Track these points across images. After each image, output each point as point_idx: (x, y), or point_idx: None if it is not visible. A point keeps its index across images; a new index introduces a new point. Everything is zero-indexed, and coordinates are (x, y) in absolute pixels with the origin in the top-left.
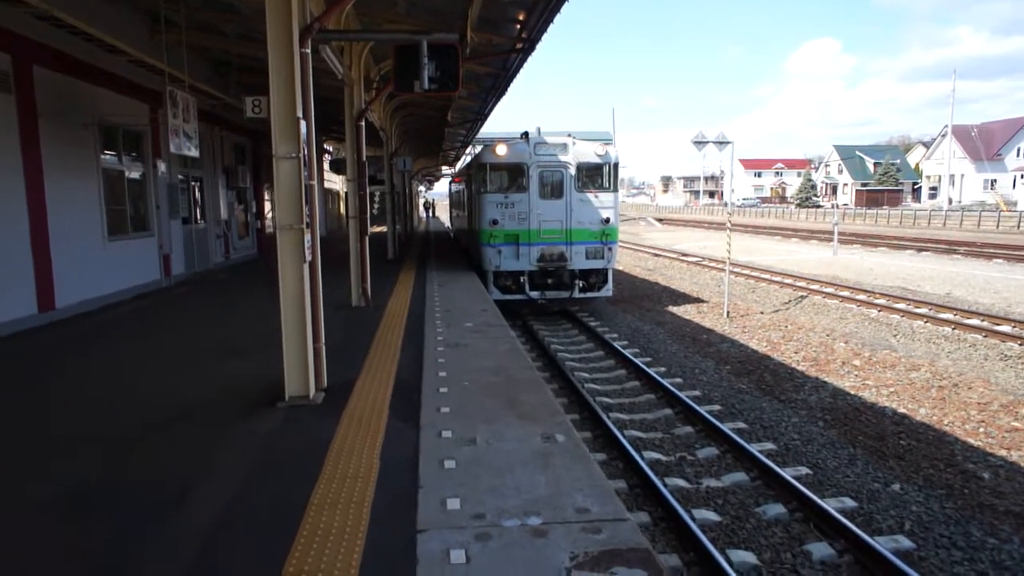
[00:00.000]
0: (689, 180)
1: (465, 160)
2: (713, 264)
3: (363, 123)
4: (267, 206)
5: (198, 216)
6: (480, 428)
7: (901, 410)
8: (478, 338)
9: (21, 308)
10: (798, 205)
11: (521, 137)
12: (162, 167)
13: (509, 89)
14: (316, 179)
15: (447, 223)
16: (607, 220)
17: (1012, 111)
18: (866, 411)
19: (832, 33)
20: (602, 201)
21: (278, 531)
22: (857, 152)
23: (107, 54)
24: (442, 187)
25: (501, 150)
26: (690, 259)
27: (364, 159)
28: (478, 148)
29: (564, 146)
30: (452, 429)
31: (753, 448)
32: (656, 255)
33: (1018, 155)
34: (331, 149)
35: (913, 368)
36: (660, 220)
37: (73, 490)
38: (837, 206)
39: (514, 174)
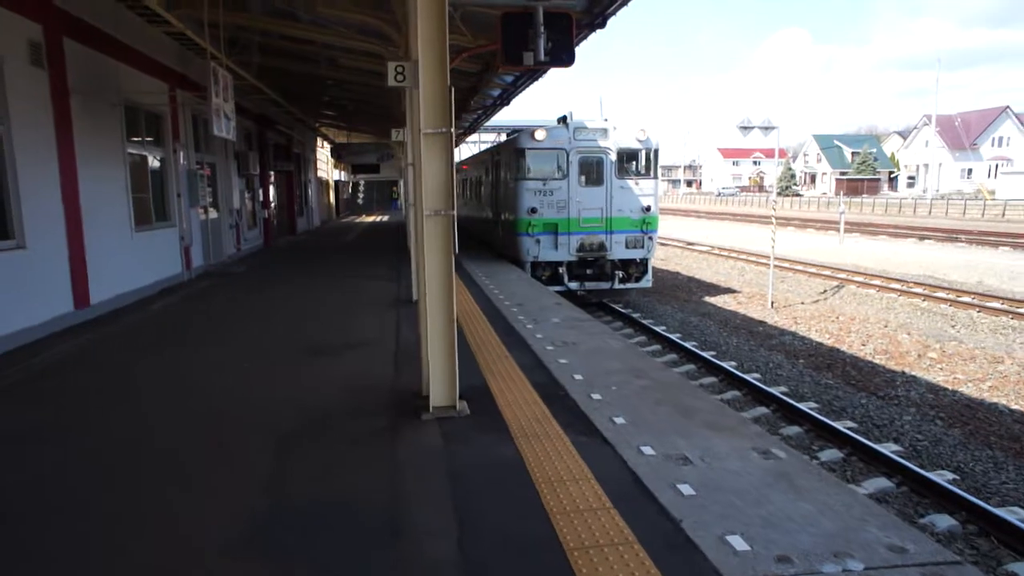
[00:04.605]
0: (666, 169)
1: (463, 148)
2: (727, 253)
3: None
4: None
5: (210, 205)
6: (678, 443)
7: (1015, 407)
8: (579, 335)
9: (58, 305)
10: (778, 194)
11: (559, 122)
12: (182, 152)
13: (548, 73)
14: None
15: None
16: (648, 208)
17: (975, 102)
18: (979, 408)
19: (801, 23)
20: (642, 188)
21: None
22: (835, 141)
23: (137, 26)
24: None
25: (540, 135)
26: (699, 248)
27: None
28: (482, 137)
29: (604, 131)
30: (649, 445)
31: (884, 449)
32: (663, 244)
33: (993, 144)
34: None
35: (996, 360)
36: None
37: (251, 524)
38: (842, 195)
39: (553, 160)
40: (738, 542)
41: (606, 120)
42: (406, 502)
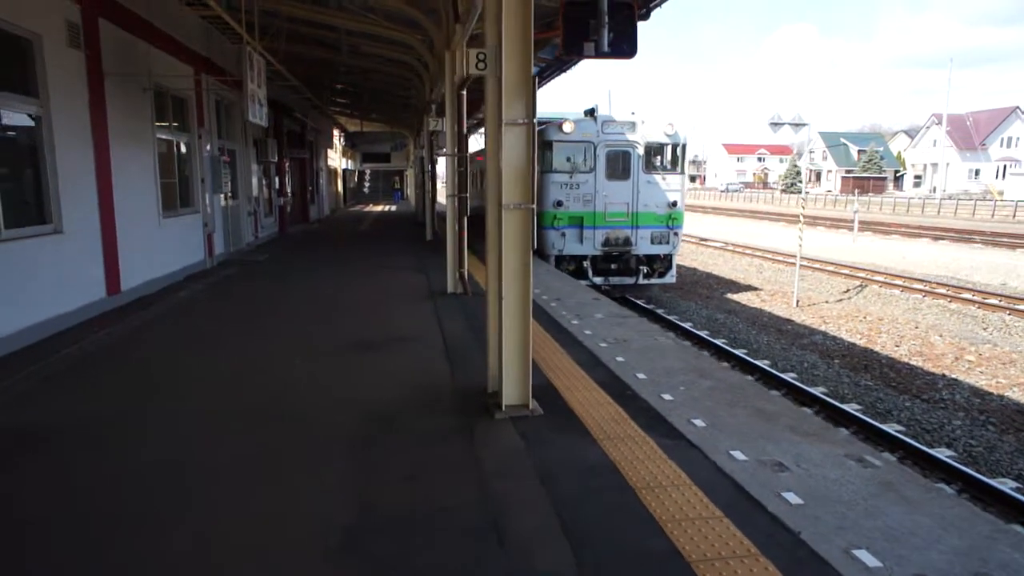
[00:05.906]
0: None
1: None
2: (742, 250)
3: (464, 92)
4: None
5: (230, 192)
6: (767, 448)
7: None
8: (628, 332)
9: (91, 292)
10: (783, 191)
11: (586, 114)
12: (207, 138)
13: (577, 66)
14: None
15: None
16: (674, 204)
17: (980, 103)
18: None
19: (807, 18)
20: (669, 183)
21: None
22: (842, 139)
23: (167, 9)
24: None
25: (568, 127)
26: (713, 244)
27: (465, 131)
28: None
29: (632, 124)
30: (738, 449)
31: (940, 455)
32: None
33: (1002, 145)
34: (303, 123)
35: None
36: None
37: (343, 531)
38: (856, 193)
39: (580, 153)
40: (867, 557)
41: (633, 113)
42: (504, 507)
